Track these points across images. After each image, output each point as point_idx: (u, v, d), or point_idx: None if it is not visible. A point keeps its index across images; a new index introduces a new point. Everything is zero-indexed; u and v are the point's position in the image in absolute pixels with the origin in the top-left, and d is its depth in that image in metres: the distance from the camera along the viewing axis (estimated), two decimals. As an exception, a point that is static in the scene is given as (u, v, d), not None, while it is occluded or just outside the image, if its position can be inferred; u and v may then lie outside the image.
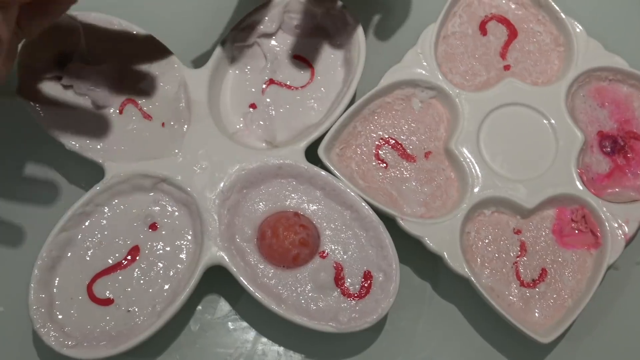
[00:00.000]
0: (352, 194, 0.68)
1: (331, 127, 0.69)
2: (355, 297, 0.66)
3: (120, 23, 0.71)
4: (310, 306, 0.66)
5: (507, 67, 0.74)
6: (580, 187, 0.70)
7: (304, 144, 0.69)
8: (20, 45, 0.68)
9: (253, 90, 0.73)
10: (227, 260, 0.66)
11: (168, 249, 0.67)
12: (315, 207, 0.69)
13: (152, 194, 0.69)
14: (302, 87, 0.73)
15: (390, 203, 0.70)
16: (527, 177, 0.70)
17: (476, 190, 0.69)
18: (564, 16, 0.74)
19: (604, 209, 0.69)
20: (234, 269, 0.65)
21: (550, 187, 0.70)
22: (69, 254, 0.66)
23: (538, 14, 0.76)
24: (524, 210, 0.69)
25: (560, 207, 0.70)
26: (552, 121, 0.71)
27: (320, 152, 0.68)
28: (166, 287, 0.66)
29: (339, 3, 0.72)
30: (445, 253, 0.67)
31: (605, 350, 0.70)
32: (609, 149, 0.72)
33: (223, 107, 0.73)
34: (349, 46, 0.72)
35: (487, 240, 0.69)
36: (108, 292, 0.66)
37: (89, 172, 0.70)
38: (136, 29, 0.71)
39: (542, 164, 0.70)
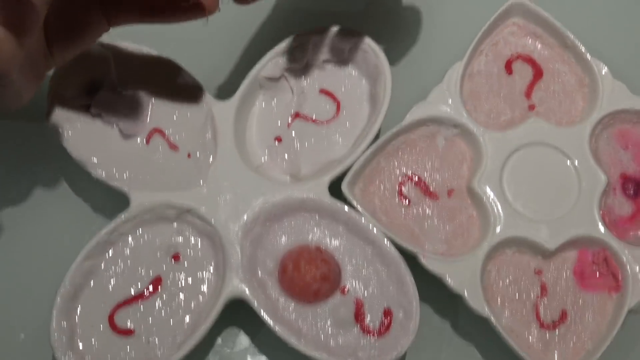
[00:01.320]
0: (375, 229, 0.68)
1: (355, 162, 0.69)
2: (375, 334, 0.66)
3: (150, 53, 0.72)
4: (330, 342, 0.66)
5: (531, 107, 0.74)
6: (602, 230, 0.70)
7: (327, 178, 0.69)
8: (51, 72, 0.69)
9: (279, 123, 0.73)
10: (248, 293, 0.66)
11: (190, 280, 0.67)
12: (338, 242, 0.69)
13: (175, 224, 0.69)
14: (327, 121, 0.73)
15: (412, 240, 0.70)
16: (550, 218, 0.70)
17: (498, 229, 0.69)
18: (589, 57, 0.74)
19: (626, 251, 0.69)
20: (254, 303, 0.65)
21: (572, 229, 0.70)
22: (92, 282, 0.67)
23: (564, 55, 0.76)
24: (545, 251, 0.69)
25: (581, 249, 0.70)
26: (576, 162, 0.71)
27: (344, 187, 0.69)
28: (187, 318, 0.66)
29: (367, 39, 0.73)
30: (465, 292, 0.67)
31: (624, 394, 0.70)
32: (631, 192, 0.72)
33: (249, 139, 0.73)
34: (375, 82, 0.73)
35: (507, 280, 0.69)
36: (129, 322, 0.66)
37: (114, 201, 0.70)
38: (165, 60, 0.72)
39: (565, 204, 0.70)
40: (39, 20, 0.57)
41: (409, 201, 0.71)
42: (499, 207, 0.70)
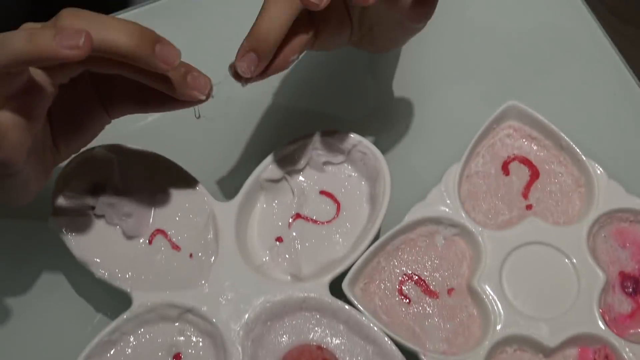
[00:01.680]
0: (376, 328, 0.68)
1: (355, 262, 0.70)
2: None
3: (154, 155, 0.73)
4: None
5: (529, 207, 0.75)
6: (603, 327, 0.70)
7: (328, 278, 0.70)
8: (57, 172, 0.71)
9: (280, 224, 0.74)
10: (250, 392, 0.66)
11: (192, 379, 0.67)
12: (339, 341, 0.69)
13: (177, 324, 0.69)
14: (327, 222, 0.74)
15: (413, 338, 0.70)
16: (550, 316, 0.70)
17: (498, 327, 0.69)
18: (584, 158, 0.76)
19: (627, 349, 0.69)
20: (257, 402, 0.65)
21: (573, 326, 0.70)
22: (94, 383, 0.67)
23: (559, 156, 0.77)
24: (546, 349, 0.69)
25: (582, 347, 0.70)
26: (574, 260, 0.72)
27: (345, 286, 0.69)
28: (189, 419, 0.66)
29: (365, 141, 0.74)
30: (467, 391, 0.67)
31: None
32: (630, 290, 0.73)
33: (250, 239, 0.74)
34: (374, 183, 0.74)
35: (509, 379, 0.69)
36: None
37: (116, 300, 0.70)
38: (168, 162, 0.73)
39: (564, 302, 0.71)
40: (47, 107, 0.59)
41: (409, 300, 0.72)
42: (499, 306, 0.70)
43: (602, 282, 0.71)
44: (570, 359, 0.70)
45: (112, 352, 0.68)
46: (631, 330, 0.71)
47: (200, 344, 0.69)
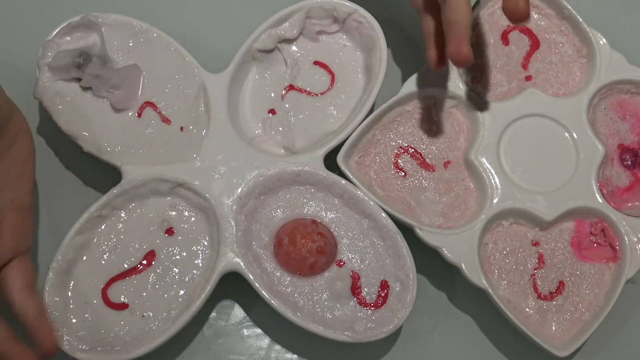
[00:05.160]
0: (371, 202, 0.67)
1: (350, 134, 0.69)
2: (372, 306, 0.66)
3: (141, 26, 0.71)
4: (326, 315, 0.65)
5: (528, 78, 0.74)
6: (600, 200, 0.69)
7: (323, 151, 0.69)
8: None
9: (272, 95, 0.72)
10: (243, 267, 0.65)
11: (184, 254, 0.67)
12: (333, 215, 0.69)
13: (169, 198, 0.68)
14: (322, 93, 0.72)
15: (409, 212, 0.69)
16: (547, 189, 0.69)
17: (495, 201, 0.69)
18: (587, 28, 0.73)
19: (624, 222, 0.69)
20: (250, 276, 0.65)
21: (570, 200, 0.69)
22: (85, 257, 0.66)
23: (561, 25, 0.75)
24: (542, 222, 0.69)
25: (579, 220, 0.70)
26: (573, 133, 0.71)
27: (339, 159, 0.68)
28: (181, 292, 0.66)
29: (361, 9, 0.72)
30: (462, 264, 0.66)
31: (622, 364, 0.70)
32: (629, 163, 0.72)
33: (242, 112, 0.72)
34: (370, 53, 0.72)
35: (505, 252, 0.69)
36: (123, 296, 0.66)
37: (106, 175, 0.69)
38: (156, 32, 0.71)
39: (562, 176, 0.70)
40: None
41: (405, 173, 0.71)
42: (496, 179, 0.69)
43: (601, 155, 0.70)
44: (566, 232, 0.70)
45: (103, 227, 0.67)
46: (629, 204, 0.70)
47: (193, 218, 0.68)
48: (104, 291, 0.66)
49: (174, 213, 0.68)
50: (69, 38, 0.70)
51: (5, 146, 0.62)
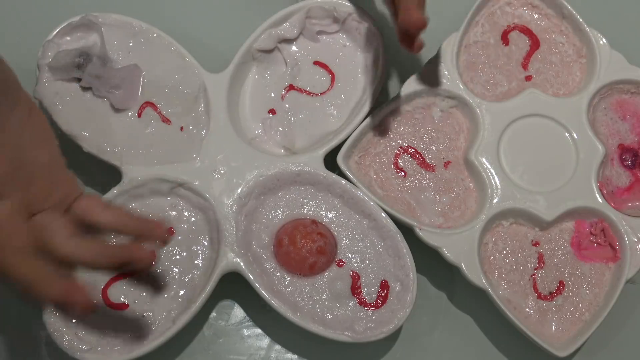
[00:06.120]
0: (371, 202, 0.67)
1: (350, 134, 0.69)
2: (372, 306, 0.66)
3: (141, 26, 0.71)
4: (326, 315, 0.65)
5: (528, 78, 0.74)
6: (600, 200, 0.69)
7: (323, 151, 0.69)
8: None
9: (272, 95, 0.73)
10: (243, 267, 0.65)
11: (184, 254, 0.67)
12: (333, 215, 0.69)
13: (169, 198, 0.68)
14: (322, 93, 0.72)
15: (409, 212, 0.69)
16: (547, 189, 0.69)
17: (495, 201, 0.69)
18: (587, 28, 0.73)
19: (624, 222, 0.69)
20: (250, 276, 0.65)
21: (570, 200, 0.69)
22: (85, 257, 0.66)
23: (561, 25, 0.75)
24: (542, 222, 0.69)
25: (579, 220, 0.70)
26: (573, 133, 0.71)
27: (339, 159, 0.68)
28: (181, 292, 0.66)
29: (361, 10, 0.72)
30: (462, 264, 0.66)
31: (622, 364, 0.70)
32: (629, 162, 0.72)
33: (242, 112, 0.72)
34: (369, 54, 0.72)
35: (505, 252, 0.69)
36: (123, 296, 0.66)
37: (106, 175, 0.69)
38: (156, 32, 0.71)
39: (562, 176, 0.70)
40: None
41: (405, 173, 0.71)
42: (496, 179, 0.69)
43: (601, 155, 0.70)
44: (566, 232, 0.70)
45: (103, 227, 0.67)
46: (629, 204, 0.70)
47: (193, 218, 0.68)
48: (104, 291, 0.66)
49: (174, 213, 0.68)
50: (69, 38, 0.70)
51: (25, 113, 0.60)
